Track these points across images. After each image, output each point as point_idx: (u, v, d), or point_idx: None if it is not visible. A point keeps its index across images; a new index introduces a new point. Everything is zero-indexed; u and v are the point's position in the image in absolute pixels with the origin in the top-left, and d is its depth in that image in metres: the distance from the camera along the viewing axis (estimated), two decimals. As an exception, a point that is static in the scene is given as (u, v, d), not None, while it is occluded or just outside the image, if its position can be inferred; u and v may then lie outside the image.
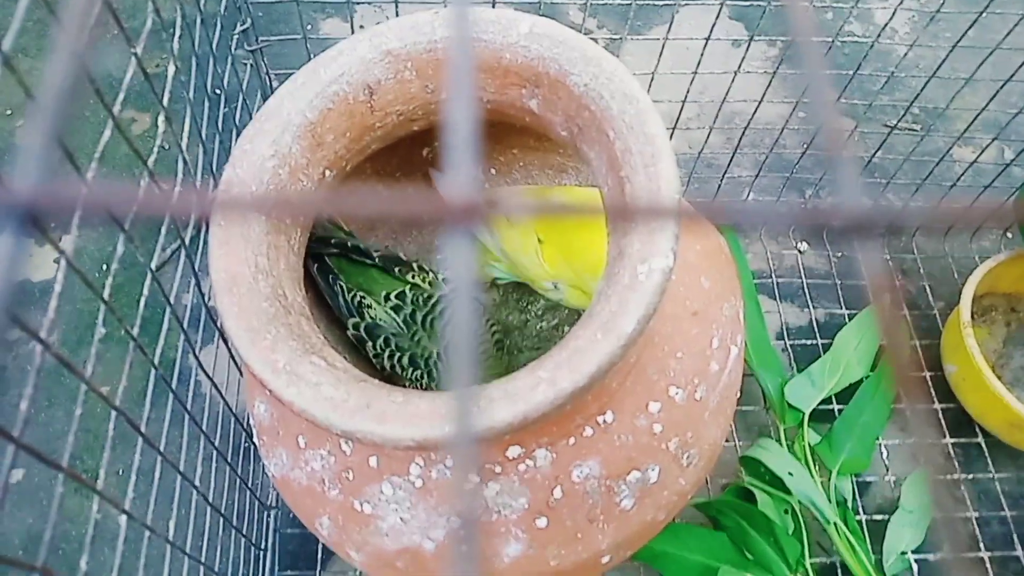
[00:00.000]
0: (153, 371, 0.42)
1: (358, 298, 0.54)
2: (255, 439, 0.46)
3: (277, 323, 0.36)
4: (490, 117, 0.44)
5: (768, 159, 0.75)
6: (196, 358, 0.49)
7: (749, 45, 0.61)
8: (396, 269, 0.54)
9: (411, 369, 0.52)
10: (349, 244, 0.55)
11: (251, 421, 0.47)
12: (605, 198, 0.38)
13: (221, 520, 0.52)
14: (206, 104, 0.47)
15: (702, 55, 0.61)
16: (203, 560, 0.48)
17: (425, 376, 0.52)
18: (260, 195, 0.40)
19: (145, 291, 0.39)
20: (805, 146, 0.77)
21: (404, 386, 0.54)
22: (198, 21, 0.45)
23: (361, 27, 0.92)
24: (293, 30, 0.63)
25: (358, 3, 0.90)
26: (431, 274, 0.54)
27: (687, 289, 0.42)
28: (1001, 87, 0.63)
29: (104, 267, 0.73)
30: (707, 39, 0.60)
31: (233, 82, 0.54)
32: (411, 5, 0.59)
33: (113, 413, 0.38)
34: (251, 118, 0.44)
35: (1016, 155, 0.70)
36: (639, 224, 0.34)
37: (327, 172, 0.43)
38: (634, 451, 0.40)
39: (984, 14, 0.58)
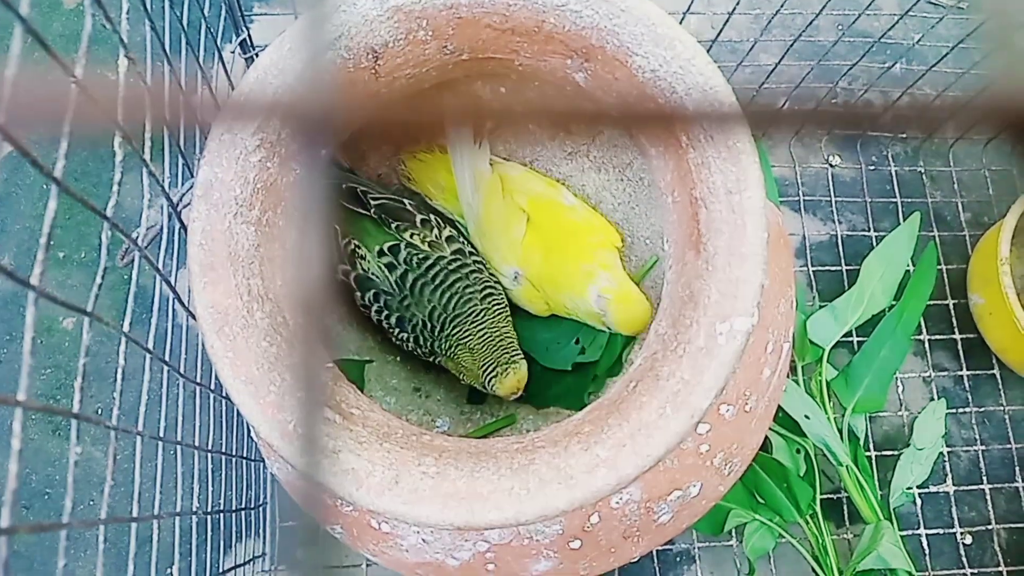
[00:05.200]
0: (128, 304, 0.35)
1: (352, 246, 0.48)
2: (254, 436, 0.42)
3: (281, 366, 0.31)
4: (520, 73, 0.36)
5: (796, 44, 0.66)
6: (172, 289, 0.41)
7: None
8: (394, 224, 0.47)
9: (398, 330, 0.48)
10: (344, 186, 0.48)
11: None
12: (671, 214, 0.31)
13: (211, 468, 0.49)
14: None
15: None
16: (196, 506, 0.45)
17: (411, 341, 0.48)
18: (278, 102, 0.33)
19: (110, 207, 0.32)
20: (841, 29, 0.68)
21: (391, 341, 0.50)
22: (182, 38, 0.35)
23: None
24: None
25: None
26: (433, 230, 0.48)
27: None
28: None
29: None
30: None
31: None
32: None
33: (83, 348, 0.31)
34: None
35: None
36: (713, 266, 0.29)
37: (323, 151, 0.35)
38: (678, 473, 0.37)
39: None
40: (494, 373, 0.46)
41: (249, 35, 0.53)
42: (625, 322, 0.47)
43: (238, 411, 0.51)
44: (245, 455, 0.52)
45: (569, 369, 0.51)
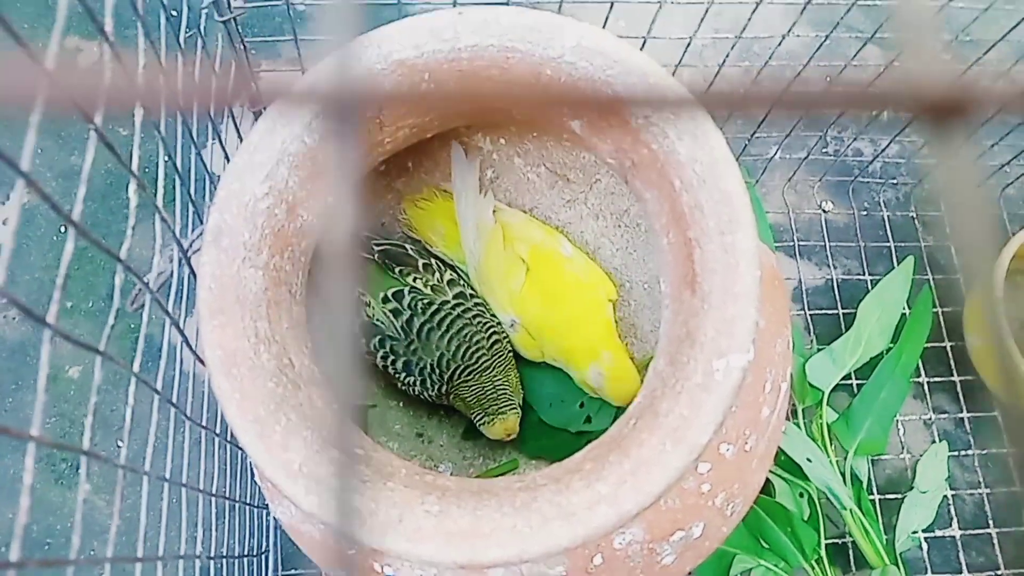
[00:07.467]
0: (136, 352, 0.35)
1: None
2: (258, 480, 0.42)
3: (286, 407, 0.31)
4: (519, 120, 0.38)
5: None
6: (181, 333, 0.41)
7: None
8: (397, 269, 0.49)
9: (404, 374, 0.49)
10: None
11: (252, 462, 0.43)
12: (667, 255, 0.32)
13: (214, 515, 0.48)
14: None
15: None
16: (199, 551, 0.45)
17: (418, 384, 0.49)
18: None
19: (123, 252, 0.32)
20: (830, 80, 0.70)
21: (396, 386, 0.50)
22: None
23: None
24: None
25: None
26: (435, 274, 0.49)
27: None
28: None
29: (62, 229, 0.66)
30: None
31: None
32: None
33: (92, 395, 0.31)
34: (227, 107, 0.37)
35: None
36: (709, 306, 0.29)
37: (328, 199, 0.36)
38: (680, 513, 0.37)
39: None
40: (483, 421, 0.49)
41: (258, 90, 0.55)
42: (618, 397, 0.49)
43: (241, 458, 0.52)
44: (248, 501, 0.52)
45: (571, 431, 0.51)
